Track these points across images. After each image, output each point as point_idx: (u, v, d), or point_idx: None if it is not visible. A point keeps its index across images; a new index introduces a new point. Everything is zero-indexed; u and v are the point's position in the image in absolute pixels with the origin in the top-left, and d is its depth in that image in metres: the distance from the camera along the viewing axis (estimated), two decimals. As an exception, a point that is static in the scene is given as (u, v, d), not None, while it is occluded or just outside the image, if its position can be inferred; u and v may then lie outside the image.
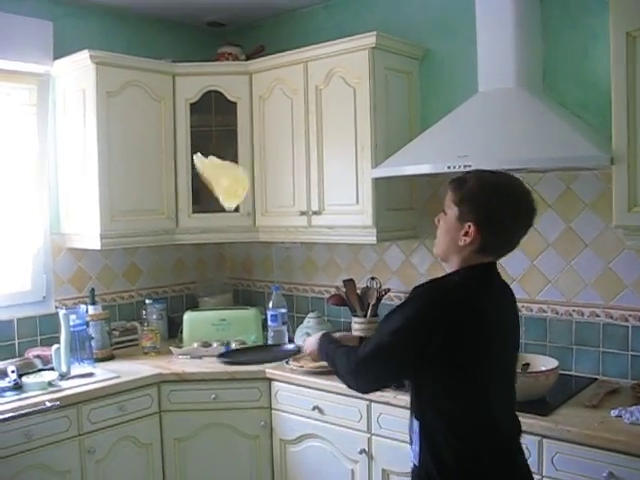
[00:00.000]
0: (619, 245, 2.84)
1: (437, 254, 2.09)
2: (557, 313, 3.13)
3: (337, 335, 2.34)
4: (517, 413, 2.41)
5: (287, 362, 3.37)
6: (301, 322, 3.78)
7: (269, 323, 3.54)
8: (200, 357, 3.56)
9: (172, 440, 3.35)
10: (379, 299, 3.48)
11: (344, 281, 3.56)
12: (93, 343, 3.49)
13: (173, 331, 3.97)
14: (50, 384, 3.03)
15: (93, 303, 3.59)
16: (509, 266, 3.25)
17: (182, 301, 4.29)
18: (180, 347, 3.67)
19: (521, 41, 2.94)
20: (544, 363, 2.80)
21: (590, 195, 3.01)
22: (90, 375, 3.23)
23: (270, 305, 3.54)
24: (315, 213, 3.46)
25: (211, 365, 3.44)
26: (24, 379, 3.02)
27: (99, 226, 3.43)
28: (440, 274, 3.53)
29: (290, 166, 3.57)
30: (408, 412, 2.04)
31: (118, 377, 3.22)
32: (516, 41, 2.93)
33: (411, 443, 2.01)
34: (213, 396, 3.31)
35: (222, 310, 3.90)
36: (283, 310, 3.54)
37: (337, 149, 3.37)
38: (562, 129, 2.71)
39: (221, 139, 3.84)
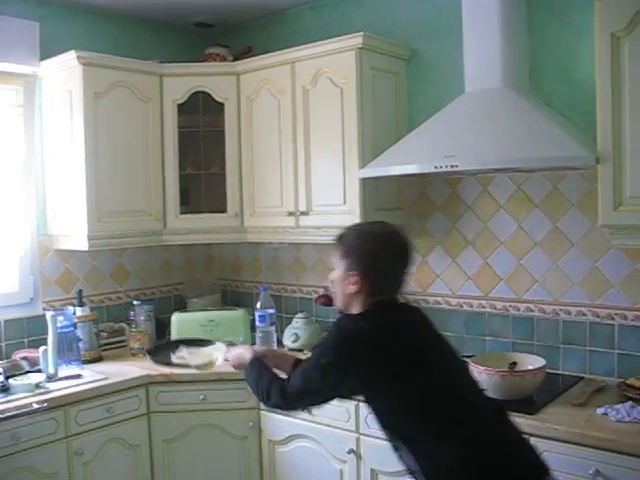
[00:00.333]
0: (605, 244, 2.85)
1: (340, 308, 2.16)
2: (544, 312, 3.15)
3: (267, 352, 2.42)
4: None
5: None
6: (289, 322, 3.78)
7: (257, 324, 3.54)
8: (188, 358, 3.56)
9: (160, 441, 3.35)
10: (367, 299, 3.47)
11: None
12: (81, 345, 3.47)
13: (161, 332, 3.96)
14: (37, 386, 3.02)
15: (81, 304, 3.58)
16: (496, 266, 3.28)
17: (170, 302, 4.28)
18: (168, 348, 3.66)
19: (507, 41, 2.95)
20: (531, 362, 2.82)
21: (576, 195, 3.03)
22: (78, 377, 3.21)
23: (258, 306, 3.54)
24: (303, 214, 3.46)
25: (199, 366, 3.43)
26: (11, 381, 3.00)
27: (86, 227, 3.42)
28: (428, 274, 3.57)
29: (278, 167, 3.57)
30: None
31: (106, 379, 3.21)
32: (502, 41, 2.94)
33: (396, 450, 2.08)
34: (201, 397, 3.30)
35: (210, 311, 3.89)
36: (271, 311, 3.53)
37: (324, 149, 3.37)
38: (548, 129, 2.72)
39: (209, 140, 3.83)
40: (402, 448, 2.02)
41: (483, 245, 3.33)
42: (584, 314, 3.04)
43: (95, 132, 3.43)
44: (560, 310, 3.10)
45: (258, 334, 3.52)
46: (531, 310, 3.19)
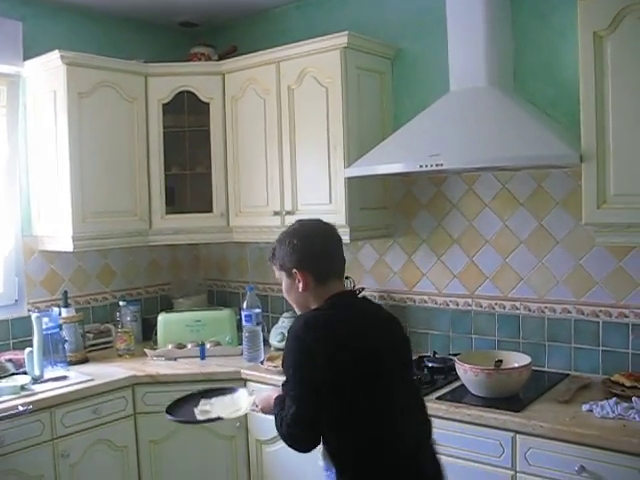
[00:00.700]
0: (589, 242, 2.87)
1: (300, 313, 2.17)
2: (529, 310, 3.17)
3: None
4: (491, 410, 2.44)
5: (262, 362, 3.37)
6: (276, 322, 3.78)
7: (244, 323, 3.54)
8: (175, 359, 3.56)
9: (147, 442, 3.34)
10: (354, 298, 3.48)
11: (318, 281, 3.55)
12: (67, 346, 3.46)
13: (147, 333, 3.95)
14: (23, 388, 3.00)
15: (66, 305, 3.56)
16: (482, 264, 3.29)
17: (156, 302, 4.27)
18: (154, 349, 3.66)
19: (492, 40, 2.96)
20: (517, 360, 2.83)
21: (561, 193, 3.04)
22: (64, 378, 3.20)
23: (244, 305, 3.53)
24: (288, 213, 3.46)
25: (186, 366, 3.44)
26: (-4, 383, 2.99)
27: (71, 228, 3.40)
28: (414, 273, 3.58)
29: (263, 166, 3.57)
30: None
31: (92, 380, 3.19)
32: (487, 40, 2.95)
33: (324, 465, 2.08)
34: (188, 397, 3.29)
35: (197, 311, 3.89)
36: (258, 310, 3.53)
37: (310, 149, 3.37)
38: (533, 127, 2.73)
39: (194, 140, 3.82)
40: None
41: (469, 243, 3.34)
42: (569, 311, 3.05)
43: (80, 132, 3.42)
44: (545, 308, 3.12)
45: (245, 334, 3.51)
46: (516, 308, 3.20)
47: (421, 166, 2.80)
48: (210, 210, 3.76)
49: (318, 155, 3.33)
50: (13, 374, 3.16)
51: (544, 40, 3.04)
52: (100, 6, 3.80)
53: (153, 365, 3.48)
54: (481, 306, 3.31)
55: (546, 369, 3.10)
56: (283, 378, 3.14)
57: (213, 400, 2.51)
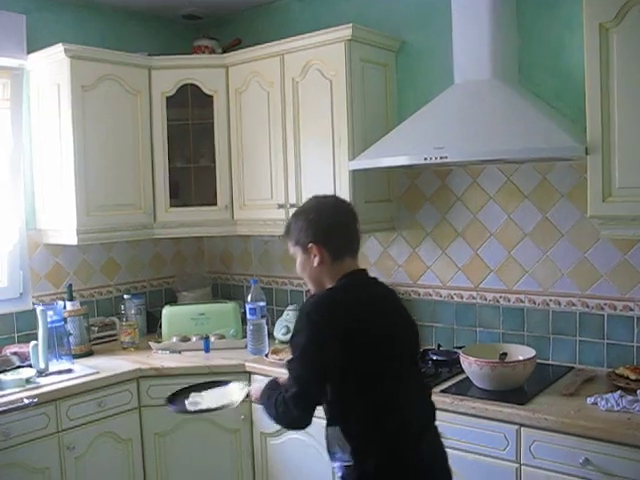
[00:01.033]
0: (594, 235, 2.86)
1: (315, 291, 2.17)
2: (534, 303, 3.16)
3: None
4: (495, 402, 2.44)
5: (266, 355, 3.37)
6: (280, 315, 3.78)
7: (248, 316, 3.54)
8: (179, 352, 3.56)
9: (152, 435, 3.35)
10: (358, 291, 3.48)
11: (323, 274, 3.55)
12: (71, 339, 3.46)
13: (152, 326, 3.95)
14: (28, 381, 3.01)
15: (71, 299, 3.56)
16: (486, 257, 3.28)
17: (161, 296, 4.28)
18: (159, 342, 3.66)
19: (496, 33, 2.95)
20: (522, 352, 2.83)
21: (566, 185, 3.03)
22: (68, 371, 3.20)
23: (249, 298, 3.53)
24: (293, 206, 3.45)
25: (190, 359, 3.44)
26: (1, 376, 3.00)
27: (75, 221, 3.40)
28: (419, 266, 3.58)
29: (267, 159, 3.57)
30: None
31: (97, 373, 3.20)
32: (492, 33, 2.94)
33: (329, 449, 2.09)
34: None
35: (201, 304, 3.89)
36: (262, 303, 3.53)
37: (314, 142, 3.36)
38: (538, 120, 2.72)
39: (198, 133, 3.82)
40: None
41: (473, 236, 3.33)
42: (574, 304, 3.05)
43: (83, 125, 3.41)
44: (550, 301, 3.12)
45: (249, 327, 3.52)
46: (521, 301, 3.20)
47: (426, 159, 2.80)
48: (214, 203, 3.76)
49: (322, 148, 3.32)
50: (18, 367, 3.16)
51: (549, 32, 3.02)
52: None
53: (158, 358, 3.49)
54: (486, 299, 3.30)
55: (551, 362, 3.09)
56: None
57: (203, 393, 2.55)
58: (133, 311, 3.84)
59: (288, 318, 3.67)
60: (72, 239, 3.45)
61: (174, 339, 3.63)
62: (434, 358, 3.15)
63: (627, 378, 2.66)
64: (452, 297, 3.42)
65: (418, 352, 2.24)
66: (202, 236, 4.28)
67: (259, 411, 3.29)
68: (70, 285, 3.61)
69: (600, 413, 2.42)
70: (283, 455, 3.27)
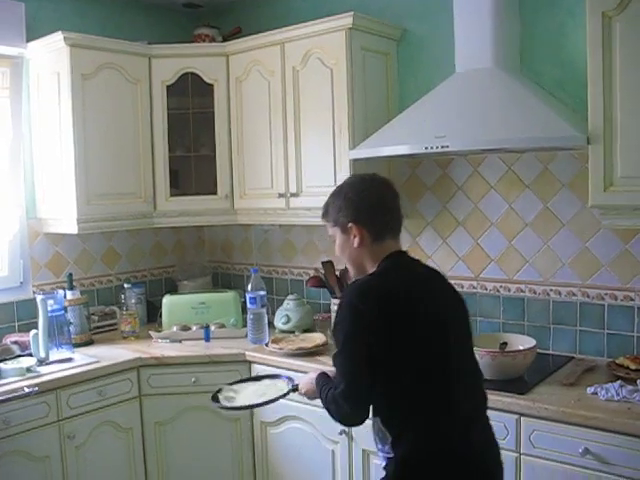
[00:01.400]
0: (595, 225, 2.86)
1: (355, 275, 2.11)
2: (535, 293, 3.16)
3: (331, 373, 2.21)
4: (496, 392, 2.43)
5: (266, 344, 3.38)
6: (281, 304, 3.78)
7: (248, 306, 3.54)
8: (180, 341, 3.57)
9: (152, 424, 3.35)
10: (358, 280, 3.47)
11: (323, 263, 3.55)
12: (72, 328, 3.46)
13: (152, 315, 3.96)
14: (28, 370, 3.01)
15: (71, 288, 3.56)
16: (487, 247, 3.28)
17: (161, 285, 4.28)
18: (159, 331, 3.66)
19: (498, 21, 2.93)
20: (522, 342, 2.83)
21: (567, 175, 3.02)
22: (69, 360, 3.21)
23: (249, 288, 3.53)
24: (293, 195, 3.45)
25: (190, 348, 3.44)
26: (2, 365, 3.00)
27: (75, 210, 3.40)
28: (419, 255, 3.55)
29: (268, 148, 3.56)
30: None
31: (97, 362, 3.20)
32: (493, 21, 2.92)
33: (377, 443, 2.03)
34: (193, 379, 3.30)
35: (201, 293, 3.90)
36: (262, 292, 3.53)
37: (315, 130, 3.36)
38: (539, 109, 2.71)
39: (198, 121, 3.81)
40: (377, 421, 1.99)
41: (474, 226, 3.33)
42: (574, 294, 3.05)
43: (83, 114, 3.40)
44: (550, 290, 3.11)
45: (249, 316, 3.52)
46: (522, 290, 3.20)
47: (427, 148, 2.79)
48: (215, 192, 3.76)
49: (323, 137, 3.31)
50: (18, 356, 3.17)
51: (551, 20, 3.01)
52: (103, -13, 3.78)
53: (158, 347, 3.49)
54: (486, 289, 3.30)
55: (551, 352, 3.09)
56: (288, 360, 3.17)
57: (235, 386, 2.50)
58: (133, 300, 3.83)
59: (288, 307, 3.67)
60: (72, 228, 3.45)
61: (174, 328, 3.63)
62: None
63: (627, 368, 2.67)
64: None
65: (470, 335, 2.13)
66: (202, 225, 4.28)
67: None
68: (70, 274, 3.61)
69: (600, 403, 2.42)
70: (283, 444, 3.28)
